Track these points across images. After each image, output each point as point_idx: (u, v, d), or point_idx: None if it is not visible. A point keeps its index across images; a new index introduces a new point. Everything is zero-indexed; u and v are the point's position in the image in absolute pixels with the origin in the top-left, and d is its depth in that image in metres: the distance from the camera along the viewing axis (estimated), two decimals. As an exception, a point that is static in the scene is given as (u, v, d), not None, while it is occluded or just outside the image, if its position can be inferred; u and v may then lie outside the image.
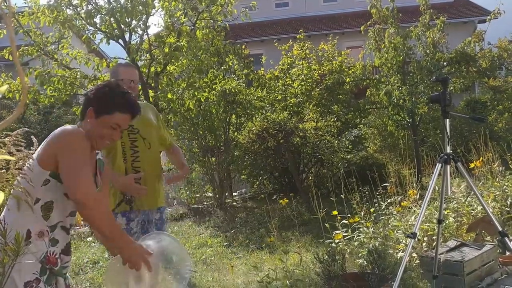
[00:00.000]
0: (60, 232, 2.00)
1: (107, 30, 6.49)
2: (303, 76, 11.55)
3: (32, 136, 2.18)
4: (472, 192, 4.44)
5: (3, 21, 6.72)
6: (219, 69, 9.10)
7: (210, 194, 9.56)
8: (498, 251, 3.99)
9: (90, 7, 6.47)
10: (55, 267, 1.95)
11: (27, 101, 7.12)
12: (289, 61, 12.23)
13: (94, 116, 2.04)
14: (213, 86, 8.72)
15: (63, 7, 6.48)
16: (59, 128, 2.04)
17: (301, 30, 12.73)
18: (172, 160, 3.76)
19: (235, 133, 9.61)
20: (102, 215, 1.92)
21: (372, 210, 4.71)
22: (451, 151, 3.14)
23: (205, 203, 9.45)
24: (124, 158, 3.22)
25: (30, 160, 1.98)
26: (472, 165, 5.28)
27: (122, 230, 2.02)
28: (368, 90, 10.55)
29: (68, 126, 2.07)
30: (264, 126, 8.65)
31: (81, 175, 1.90)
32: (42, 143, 2.03)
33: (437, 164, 3.10)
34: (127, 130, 3.20)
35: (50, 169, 1.95)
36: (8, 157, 1.68)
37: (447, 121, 3.14)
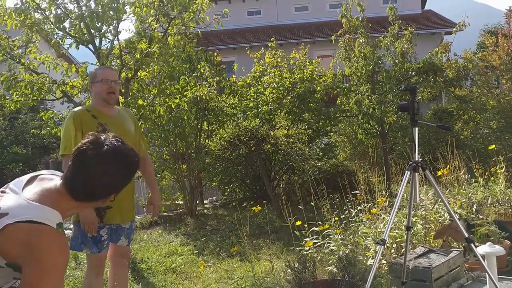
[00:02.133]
0: None
1: (76, 35, 6.38)
2: (274, 84, 11.62)
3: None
4: (440, 200, 4.54)
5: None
6: (191, 75, 9.06)
7: (181, 202, 9.47)
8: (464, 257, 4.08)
9: (59, 11, 6.35)
10: None
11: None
12: (261, 69, 12.29)
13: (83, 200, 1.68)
14: (185, 93, 8.67)
15: (31, 11, 6.34)
16: (44, 224, 1.53)
17: (272, 38, 12.82)
18: (141, 172, 3.72)
19: (207, 140, 9.57)
20: None
21: (341, 217, 4.76)
22: (420, 159, 3.20)
23: (175, 210, 9.36)
24: None
25: None
26: (439, 173, 5.40)
27: None
28: (338, 98, 10.69)
29: (54, 223, 1.57)
30: (236, 133, 8.64)
31: None
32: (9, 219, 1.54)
33: (406, 171, 3.15)
34: None
35: (9, 261, 1.56)
36: None
37: (416, 130, 3.20)
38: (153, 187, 3.68)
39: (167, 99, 7.34)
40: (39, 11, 6.46)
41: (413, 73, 9.88)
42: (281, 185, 9.72)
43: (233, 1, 25.68)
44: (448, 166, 5.51)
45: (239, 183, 10.29)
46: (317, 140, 11.54)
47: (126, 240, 3.40)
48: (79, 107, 3.41)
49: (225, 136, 8.79)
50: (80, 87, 6.50)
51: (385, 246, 3.87)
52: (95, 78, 3.27)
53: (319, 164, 9.65)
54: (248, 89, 11.86)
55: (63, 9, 6.38)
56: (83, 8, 6.27)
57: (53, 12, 6.37)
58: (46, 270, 1.50)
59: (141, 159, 3.56)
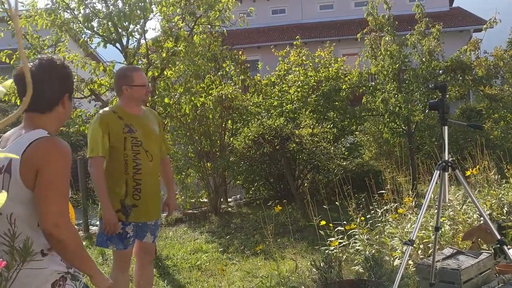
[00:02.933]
0: None
1: (104, 34, 6.47)
2: (299, 82, 11.58)
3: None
4: (469, 200, 4.45)
5: (0, 24, 6.70)
6: (216, 74, 9.09)
7: (205, 200, 9.52)
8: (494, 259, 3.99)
9: (87, 10, 6.44)
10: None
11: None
12: (285, 68, 12.25)
13: (69, 99, 1.99)
14: (210, 92, 8.71)
15: (60, 11, 6.45)
16: (41, 139, 1.80)
17: (298, 37, 12.77)
18: (161, 173, 3.77)
19: (231, 139, 9.60)
20: (73, 247, 1.80)
21: (367, 217, 4.70)
22: (450, 159, 3.14)
23: (200, 208, 9.42)
24: (126, 169, 3.20)
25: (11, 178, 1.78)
26: (468, 173, 5.29)
27: (91, 259, 1.92)
28: (364, 97, 10.59)
29: (53, 138, 1.84)
30: (260, 132, 8.64)
31: (57, 197, 1.76)
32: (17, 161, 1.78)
33: (435, 171, 3.10)
34: (130, 142, 3.20)
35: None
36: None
37: (445, 129, 3.14)
38: (170, 189, 3.74)
39: (192, 98, 7.37)
40: (68, 11, 6.57)
41: (440, 71, 9.72)
42: (306, 184, 9.68)
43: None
44: (478, 166, 5.39)
45: (263, 182, 10.30)
46: (342, 139, 11.44)
47: (151, 236, 3.44)
48: (106, 109, 3.43)
49: (249, 134, 8.80)
50: (108, 86, 6.59)
51: (412, 247, 3.80)
52: (132, 82, 3.26)
53: (344, 163, 9.58)
54: (272, 87, 11.85)
55: (91, 8, 6.46)
56: (111, 7, 6.34)
57: (82, 11, 6.47)
58: (57, 169, 1.77)
59: (162, 160, 3.61)
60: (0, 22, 6.68)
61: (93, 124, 3.25)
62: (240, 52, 10.83)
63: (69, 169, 1.84)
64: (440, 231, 4.00)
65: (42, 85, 1.87)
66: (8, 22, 6.61)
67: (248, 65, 11.53)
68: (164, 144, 3.62)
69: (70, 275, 1.84)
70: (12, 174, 1.76)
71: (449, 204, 4.74)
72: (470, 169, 5.35)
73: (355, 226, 4.42)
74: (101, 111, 3.38)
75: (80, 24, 6.57)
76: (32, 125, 1.87)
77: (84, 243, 6.93)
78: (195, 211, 9.08)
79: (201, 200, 9.63)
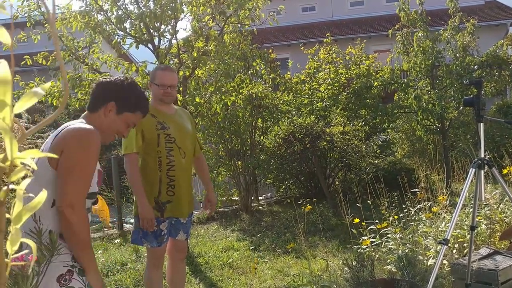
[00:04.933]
0: None
1: (136, 35, 6.58)
2: (330, 80, 11.49)
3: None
4: (506, 199, 4.33)
5: (37, 27, 6.89)
6: (246, 73, 9.11)
7: (236, 198, 9.57)
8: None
9: (120, 12, 6.56)
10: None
11: (58, 104, 7.27)
12: (315, 65, 12.18)
13: (115, 112, 2.09)
14: (240, 90, 8.74)
15: (94, 13, 6.59)
16: (73, 125, 1.93)
17: (328, 34, 12.68)
18: (197, 171, 3.81)
19: (261, 137, 9.61)
20: (80, 233, 1.82)
21: (400, 215, 4.64)
22: (487, 156, 3.06)
23: (231, 206, 9.47)
24: (160, 166, 3.26)
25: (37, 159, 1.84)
26: (505, 171, 5.14)
27: (93, 254, 1.91)
28: (396, 94, 10.44)
29: (81, 124, 1.95)
30: (291, 130, 8.62)
31: (75, 180, 1.81)
32: (50, 140, 1.92)
33: (470, 169, 3.03)
34: (164, 138, 3.26)
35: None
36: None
37: (481, 125, 3.07)
38: (208, 185, 3.77)
39: (223, 97, 7.42)
40: (102, 13, 6.71)
41: (475, 67, 9.49)
42: (337, 183, 9.61)
43: (287, -3, 25.60)
44: (516, 164, 5.24)
45: (293, 180, 10.27)
46: (374, 137, 11.30)
47: (184, 234, 3.48)
48: None
49: (279, 133, 8.79)
50: (140, 86, 6.69)
51: (447, 246, 3.73)
52: (154, 79, 3.35)
53: (376, 162, 9.46)
54: (302, 85, 11.80)
55: (123, 10, 6.58)
56: (143, 8, 6.44)
57: (115, 13, 6.59)
58: (83, 146, 1.86)
59: (197, 158, 3.66)
60: (37, 25, 6.86)
61: None
62: (270, 51, 10.81)
63: (94, 157, 1.90)
64: (476, 231, 3.92)
65: (94, 89, 2.15)
66: (45, 25, 6.80)
67: (278, 63, 11.49)
68: (197, 143, 3.67)
69: (77, 268, 1.83)
70: None
71: (485, 203, 4.63)
72: (508, 167, 5.21)
73: (387, 225, 4.36)
74: None
75: (113, 26, 6.69)
76: (84, 120, 2.06)
77: (117, 240, 7.08)
78: (226, 209, 9.14)
79: (232, 198, 9.68)
